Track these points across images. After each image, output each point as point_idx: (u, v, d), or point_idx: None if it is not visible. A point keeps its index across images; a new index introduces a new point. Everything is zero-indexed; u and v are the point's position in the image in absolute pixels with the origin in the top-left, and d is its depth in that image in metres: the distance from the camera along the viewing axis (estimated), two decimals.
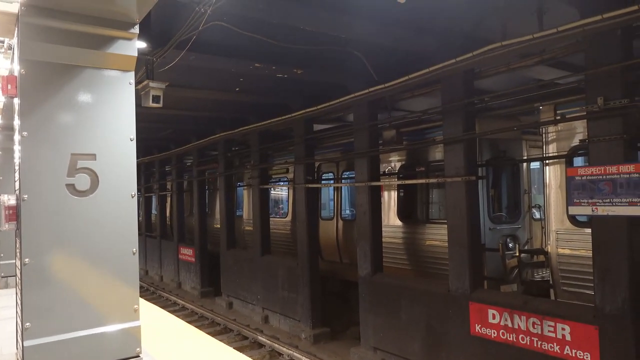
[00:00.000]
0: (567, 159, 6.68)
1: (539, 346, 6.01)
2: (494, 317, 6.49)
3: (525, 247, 8.39)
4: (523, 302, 6.33)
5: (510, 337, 6.31)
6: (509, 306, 6.35)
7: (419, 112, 8.12)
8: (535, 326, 6.05)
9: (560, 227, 6.77)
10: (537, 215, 8.75)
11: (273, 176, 13.46)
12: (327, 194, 12.29)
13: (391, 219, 9.79)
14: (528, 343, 6.12)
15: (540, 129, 7.17)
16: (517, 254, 7.53)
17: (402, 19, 6.17)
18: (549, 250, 6.88)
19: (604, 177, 5.40)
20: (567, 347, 5.74)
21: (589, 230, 5.85)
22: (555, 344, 5.85)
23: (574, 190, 5.71)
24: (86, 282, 3.54)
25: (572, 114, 6.32)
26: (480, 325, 6.66)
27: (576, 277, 6.53)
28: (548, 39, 5.35)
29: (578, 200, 5.67)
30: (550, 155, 6.94)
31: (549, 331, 5.92)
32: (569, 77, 6.43)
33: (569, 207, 5.92)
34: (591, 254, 5.67)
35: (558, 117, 6.62)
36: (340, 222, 11.31)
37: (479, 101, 7.19)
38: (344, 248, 11.16)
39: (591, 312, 5.61)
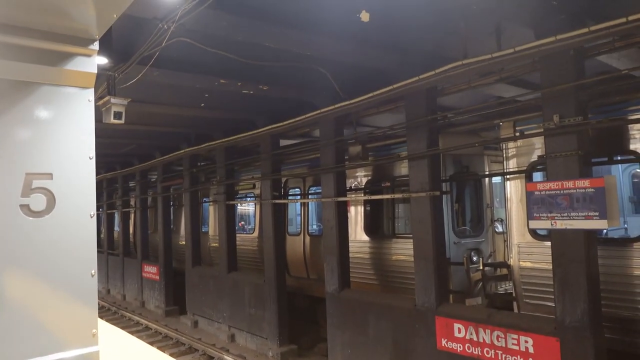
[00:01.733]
0: (526, 174, 6.90)
1: (503, 359, 6.10)
2: (459, 331, 6.57)
3: (489, 261, 8.56)
4: (487, 315, 6.44)
5: (475, 351, 6.39)
6: (474, 320, 6.44)
7: (385, 128, 8.25)
8: (500, 339, 6.16)
9: (521, 241, 6.94)
10: (500, 228, 8.97)
11: (240, 192, 13.35)
12: (294, 209, 12.27)
13: (358, 233, 9.84)
14: (493, 356, 6.21)
15: (501, 145, 7.39)
16: (481, 268, 7.64)
17: (366, 37, 6.28)
18: (511, 263, 7.03)
19: (562, 191, 5.59)
20: (530, 359, 5.85)
21: (549, 243, 6.00)
22: (519, 356, 5.96)
23: (533, 204, 5.88)
24: (41, 306, 3.39)
25: (530, 130, 6.56)
26: (446, 340, 6.72)
27: (537, 289, 6.69)
28: (506, 58, 5.54)
29: (538, 215, 5.84)
30: (511, 170, 7.15)
31: (512, 344, 6.03)
32: (527, 95, 6.67)
33: (529, 222, 6.08)
34: (551, 267, 5.80)
35: (517, 134, 6.84)
36: (308, 238, 11.29)
37: (442, 118, 7.36)
38: (311, 263, 11.15)
39: (552, 324, 5.75)
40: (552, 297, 5.85)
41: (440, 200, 7.24)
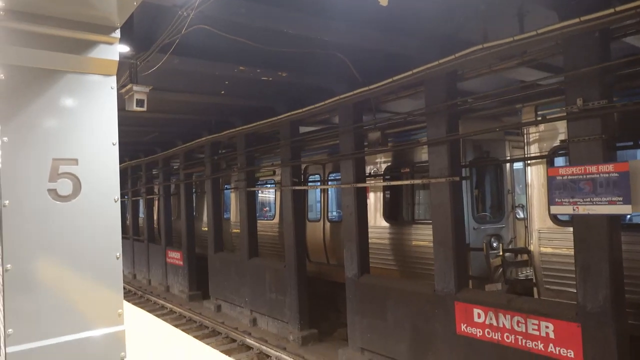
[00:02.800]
0: (548, 159, 6.78)
1: (523, 344, 6.09)
2: (479, 316, 6.57)
3: (509, 247, 8.48)
4: (507, 301, 6.42)
5: (495, 336, 6.39)
6: (494, 305, 6.43)
7: (404, 114, 8.20)
8: (520, 324, 6.14)
9: (542, 226, 6.89)
10: (521, 214, 8.86)
11: (260, 179, 13.48)
12: (314, 196, 12.34)
13: (377, 220, 9.86)
14: (513, 341, 6.20)
15: (522, 130, 7.28)
16: (501, 253, 7.60)
17: (385, 22, 6.23)
18: (532, 249, 6.97)
19: (584, 176, 5.50)
20: (550, 344, 5.83)
21: (570, 229, 5.96)
22: (539, 341, 5.94)
23: (555, 190, 5.81)
24: (69, 287, 3.53)
25: (553, 114, 6.44)
26: (465, 325, 6.73)
27: (558, 275, 6.66)
28: (528, 41, 5.43)
29: (559, 200, 5.76)
30: (531, 155, 7.05)
31: (533, 329, 6.01)
32: (550, 79, 6.53)
33: (551, 207, 6.01)
34: (572, 252, 5.76)
35: (539, 118, 6.72)
36: (328, 224, 11.36)
37: (462, 102, 7.28)
38: (331, 250, 11.23)
39: (573, 309, 5.70)
40: (574, 283, 5.80)
41: (460, 186, 7.20)
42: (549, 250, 6.79)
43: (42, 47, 3.40)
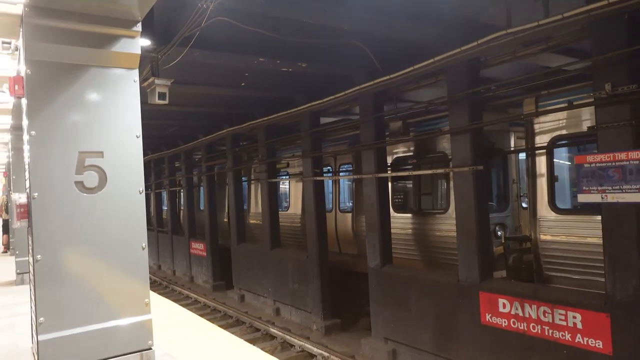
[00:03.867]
0: (547, 150, 6.89)
1: (550, 335, 6.00)
2: (504, 306, 6.49)
3: (515, 235, 8.60)
4: (533, 291, 6.32)
5: (521, 326, 6.31)
6: (519, 295, 6.34)
7: (425, 103, 8.10)
8: (546, 315, 6.04)
9: (542, 215, 7.01)
10: (525, 204, 8.82)
11: (281, 170, 13.57)
12: (326, 187, 12.55)
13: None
14: (539, 332, 6.11)
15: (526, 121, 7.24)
16: (503, 241, 7.77)
17: (405, 10, 6.14)
18: (533, 237, 7.11)
19: (613, 164, 5.36)
20: (578, 335, 5.73)
21: (569, 217, 6.49)
22: (566, 332, 5.84)
23: (582, 177, 5.67)
24: (97, 277, 3.61)
25: (564, 103, 6.29)
26: (490, 315, 6.66)
27: (557, 262, 6.81)
28: (553, 25, 5.29)
29: (587, 188, 5.63)
30: (535, 147, 7.12)
31: (560, 319, 5.91)
32: (576, 64, 6.36)
33: (579, 195, 5.87)
34: (571, 240, 6.28)
35: (566, 105, 6.55)
36: (339, 214, 11.57)
37: (485, 90, 7.15)
38: (343, 239, 11.45)
39: (602, 299, 5.59)
40: (573, 269, 6.32)
41: (483, 174, 7.09)
42: (548, 237, 6.90)
43: (66, 43, 3.46)
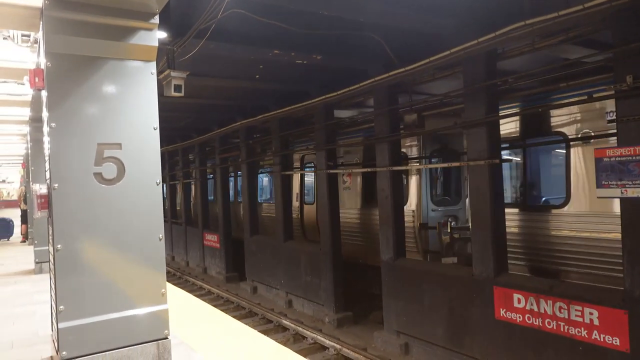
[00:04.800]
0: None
1: (565, 331, 5.95)
2: (519, 302, 6.44)
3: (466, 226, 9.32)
4: (549, 286, 6.26)
5: (536, 322, 6.26)
6: (535, 290, 6.29)
7: (441, 95, 8.03)
8: (562, 311, 5.98)
9: None
10: None
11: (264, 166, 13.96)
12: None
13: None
14: (555, 327, 6.06)
15: None
16: (449, 231, 8.63)
17: (421, 1, 6.07)
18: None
19: (634, 158, 5.26)
20: (595, 331, 5.66)
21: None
22: (582, 328, 5.78)
23: (601, 172, 5.58)
24: (115, 267, 3.67)
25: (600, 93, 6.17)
26: (505, 310, 6.62)
27: None
28: (574, 16, 5.19)
29: (606, 183, 5.54)
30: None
31: (576, 315, 5.85)
32: (596, 56, 6.24)
33: (597, 190, 5.78)
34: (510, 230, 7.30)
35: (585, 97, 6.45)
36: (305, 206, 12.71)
37: (502, 83, 7.06)
38: (307, 227, 12.90)
39: (620, 295, 5.52)
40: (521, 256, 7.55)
41: (500, 168, 7.01)
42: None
43: (85, 35, 3.49)
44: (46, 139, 3.62)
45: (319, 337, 9.28)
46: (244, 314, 11.71)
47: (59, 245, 3.41)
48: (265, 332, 9.50)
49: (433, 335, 7.79)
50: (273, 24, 5.99)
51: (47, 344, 4.68)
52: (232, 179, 17.49)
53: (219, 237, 15.73)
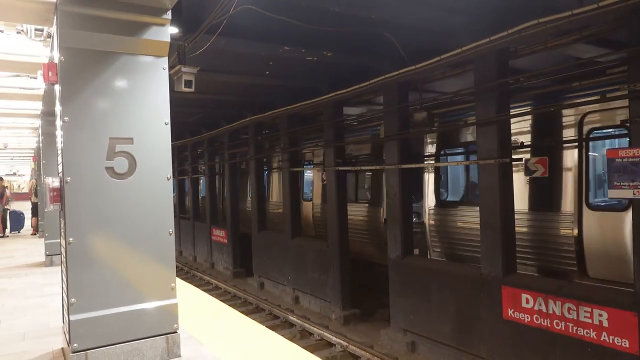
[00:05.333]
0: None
1: (574, 332, 5.91)
2: (527, 302, 6.41)
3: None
4: (558, 287, 6.23)
5: (544, 322, 6.23)
6: (543, 291, 6.25)
7: (451, 94, 7.99)
8: (571, 312, 5.95)
9: (430, 206, 9.30)
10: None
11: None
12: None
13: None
14: (563, 328, 6.03)
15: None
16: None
17: None
18: (425, 222, 9.18)
19: None
20: (604, 333, 5.62)
21: (448, 209, 8.91)
22: (591, 329, 5.75)
23: (614, 172, 5.52)
24: (126, 260, 3.70)
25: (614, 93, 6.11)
26: (513, 310, 6.59)
27: (440, 241, 9.13)
28: (588, 15, 5.13)
29: (618, 184, 5.49)
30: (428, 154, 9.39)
31: (585, 317, 5.81)
32: (610, 55, 6.17)
33: (609, 191, 5.73)
34: (449, 224, 8.66)
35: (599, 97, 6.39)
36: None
37: (514, 81, 7.00)
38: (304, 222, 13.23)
39: (630, 297, 5.47)
40: (451, 247, 8.85)
41: (510, 167, 6.97)
42: (432, 222, 9.18)
43: (99, 30, 3.51)
44: (59, 133, 3.65)
45: (325, 333, 9.30)
46: (251, 310, 11.76)
47: (70, 239, 3.45)
48: (272, 328, 9.52)
49: (440, 333, 7.77)
50: (284, 20, 5.99)
51: (58, 335, 4.74)
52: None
53: (227, 233, 15.80)
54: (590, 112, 6.92)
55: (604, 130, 7.06)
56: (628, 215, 6.22)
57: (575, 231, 6.93)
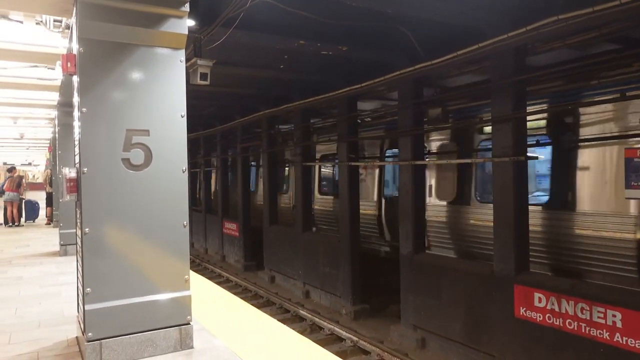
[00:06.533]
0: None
1: (587, 332, 5.86)
2: (539, 301, 6.36)
3: None
4: (571, 286, 6.16)
5: (556, 322, 6.18)
6: (556, 290, 6.19)
7: (467, 90, 7.91)
8: (584, 311, 5.89)
9: (317, 195, 13.45)
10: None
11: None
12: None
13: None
14: (576, 328, 5.97)
15: None
16: None
17: None
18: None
19: None
20: (617, 334, 5.56)
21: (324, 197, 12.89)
22: (604, 330, 5.69)
23: (631, 172, 5.45)
24: (141, 252, 3.73)
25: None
26: (525, 309, 6.54)
27: (320, 219, 13.36)
28: (609, 12, 5.04)
29: (636, 183, 5.41)
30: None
31: (598, 317, 5.75)
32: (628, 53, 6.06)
33: (626, 191, 5.65)
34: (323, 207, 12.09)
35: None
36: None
37: (531, 78, 6.91)
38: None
39: None
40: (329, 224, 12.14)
41: (525, 165, 6.89)
42: (317, 207, 13.39)
43: (117, 22, 3.53)
44: (76, 124, 3.68)
45: (336, 328, 9.32)
46: (261, 303, 11.82)
47: (87, 229, 3.48)
48: (282, 322, 9.51)
49: (450, 330, 7.75)
50: (300, 13, 5.97)
51: (72, 324, 4.80)
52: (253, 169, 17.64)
53: (239, 226, 15.88)
54: None
55: None
56: None
57: None
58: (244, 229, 15.71)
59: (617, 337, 5.56)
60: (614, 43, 6.54)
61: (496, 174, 7.03)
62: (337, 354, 8.44)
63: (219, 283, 13.46)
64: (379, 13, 6.43)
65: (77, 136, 3.68)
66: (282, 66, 9.58)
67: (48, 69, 7.62)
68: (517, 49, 6.61)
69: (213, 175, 19.67)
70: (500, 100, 6.92)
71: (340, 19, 6.40)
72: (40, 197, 19.71)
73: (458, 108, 8.93)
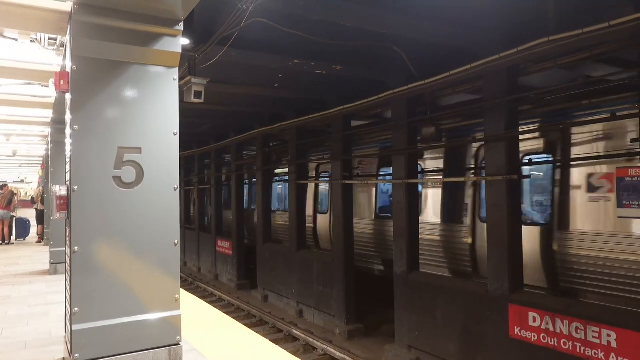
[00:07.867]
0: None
1: (582, 352, 5.81)
2: (534, 320, 6.32)
3: None
4: (566, 306, 6.13)
5: (551, 342, 6.12)
6: (551, 309, 6.16)
7: (460, 109, 7.97)
8: (579, 331, 5.85)
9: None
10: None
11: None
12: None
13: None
14: (570, 348, 5.92)
15: None
16: None
17: (444, 14, 6.05)
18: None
19: None
20: (612, 354, 5.52)
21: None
22: (599, 350, 5.64)
23: (623, 191, 5.48)
24: (130, 271, 3.67)
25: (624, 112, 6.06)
26: (519, 328, 6.49)
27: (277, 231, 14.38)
28: (599, 33, 5.12)
29: (628, 203, 5.43)
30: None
31: (593, 337, 5.71)
32: (621, 74, 6.14)
33: (617, 210, 5.67)
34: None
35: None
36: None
37: (523, 98, 6.98)
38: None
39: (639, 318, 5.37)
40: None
41: (519, 184, 6.91)
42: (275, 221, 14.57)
43: (111, 40, 3.53)
44: (68, 141, 3.66)
45: (329, 348, 9.19)
46: (254, 322, 11.67)
47: (76, 247, 3.43)
48: (275, 342, 9.43)
49: (445, 350, 7.66)
50: (294, 33, 6.02)
51: (60, 345, 4.70)
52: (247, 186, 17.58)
53: (232, 244, 15.76)
54: None
55: None
56: None
57: None
58: (238, 247, 15.59)
59: (612, 357, 5.52)
60: (605, 64, 6.64)
61: (489, 193, 7.04)
62: None
63: (211, 302, 13.29)
64: (373, 33, 6.51)
65: (68, 153, 3.65)
66: (276, 84, 9.64)
67: (42, 86, 7.61)
68: (509, 69, 6.69)
69: (207, 193, 19.60)
70: (493, 119, 6.97)
71: (334, 38, 6.47)
72: (30, 214, 19.51)
73: (450, 128, 8.97)
